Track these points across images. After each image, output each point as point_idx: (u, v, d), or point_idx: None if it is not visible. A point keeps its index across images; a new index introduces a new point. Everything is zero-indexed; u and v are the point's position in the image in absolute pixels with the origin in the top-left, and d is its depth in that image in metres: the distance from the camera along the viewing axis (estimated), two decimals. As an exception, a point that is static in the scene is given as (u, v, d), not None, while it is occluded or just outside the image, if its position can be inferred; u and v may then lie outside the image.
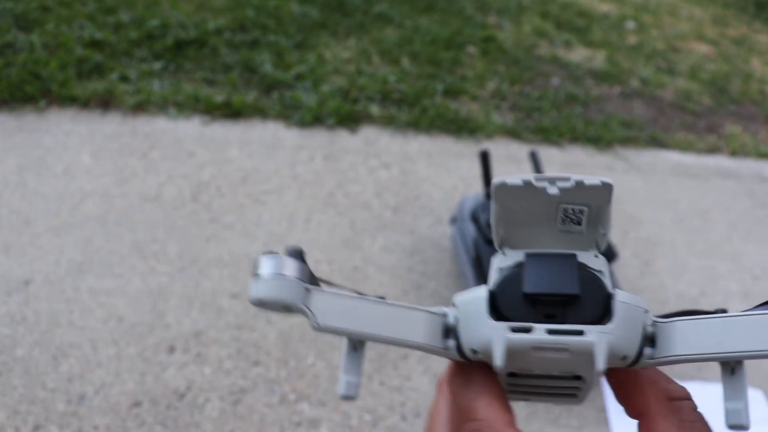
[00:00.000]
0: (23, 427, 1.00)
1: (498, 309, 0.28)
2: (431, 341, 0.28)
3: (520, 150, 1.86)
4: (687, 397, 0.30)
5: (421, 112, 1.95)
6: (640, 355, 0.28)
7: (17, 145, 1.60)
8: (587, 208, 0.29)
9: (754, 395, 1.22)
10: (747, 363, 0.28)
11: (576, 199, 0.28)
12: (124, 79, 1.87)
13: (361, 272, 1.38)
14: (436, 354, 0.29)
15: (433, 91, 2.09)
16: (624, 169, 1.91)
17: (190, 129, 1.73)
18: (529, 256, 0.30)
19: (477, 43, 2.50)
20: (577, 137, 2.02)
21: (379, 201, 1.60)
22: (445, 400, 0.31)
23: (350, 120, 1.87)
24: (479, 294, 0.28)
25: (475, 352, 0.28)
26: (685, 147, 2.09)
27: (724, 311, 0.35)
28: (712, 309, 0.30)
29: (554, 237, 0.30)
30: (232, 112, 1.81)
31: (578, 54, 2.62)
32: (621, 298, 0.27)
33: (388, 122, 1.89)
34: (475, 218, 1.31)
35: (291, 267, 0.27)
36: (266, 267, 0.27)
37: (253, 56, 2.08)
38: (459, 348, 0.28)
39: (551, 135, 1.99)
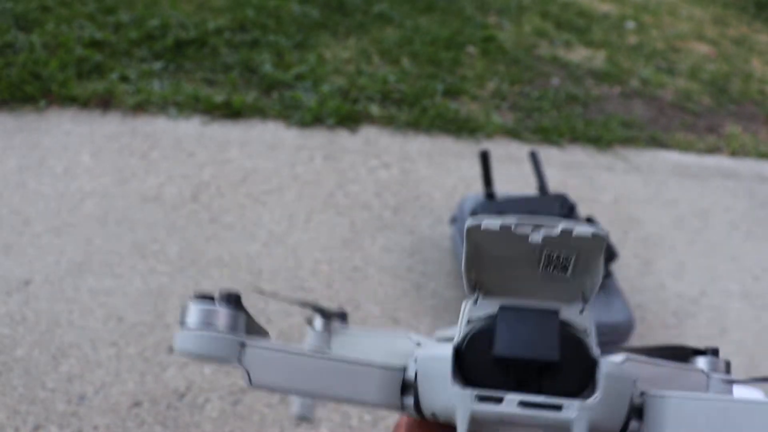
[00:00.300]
0: (23, 427, 1.00)
1: (464, 369, 0.25)
2: (385, 399, 0.25)
3: (520, 150, 1.86)
4: None
5: (421, 112, 1.95)
6: (624, 429, 0.25)
7: (17, 145, 1.60)
8: (575, 255, 0.25)
9: (753, 394, 1.22)
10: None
11: (562, 246, 0.25)
12: (124, 79, 1.87)
13: (361, 272, 1.38)
14: (391, 410, 0.26)
15: (433, 91, 2.09)
16: (624, 169, 1.91)
17: (190, 129, 1.73)
18: (503, 310, 0.26)
19: (477, 43, 2.50)
20: (577, 137, 2.02)
21: (379, 201, 1.60)
22: None
23: (350, 120, 1.87)
24: (443, 354, 0.25)
25: (435, 415, 0.25)
26: (685, 147, 2.09)
27: (715, 352, 0.33)
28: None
29: (535, 283, 0.27)
30: (232, 112, 1.81)
31: (578, 54, 2.62)
32: (607, 369, 0.24)
33: (388, 122, 1.89)
34: None
35: (223, 318, 0.24)
36: (194, 316, 0.24)
37: (253, 56, 2.08)
38: (418, 406, 0.26)
39: (551, 135, 1.99)
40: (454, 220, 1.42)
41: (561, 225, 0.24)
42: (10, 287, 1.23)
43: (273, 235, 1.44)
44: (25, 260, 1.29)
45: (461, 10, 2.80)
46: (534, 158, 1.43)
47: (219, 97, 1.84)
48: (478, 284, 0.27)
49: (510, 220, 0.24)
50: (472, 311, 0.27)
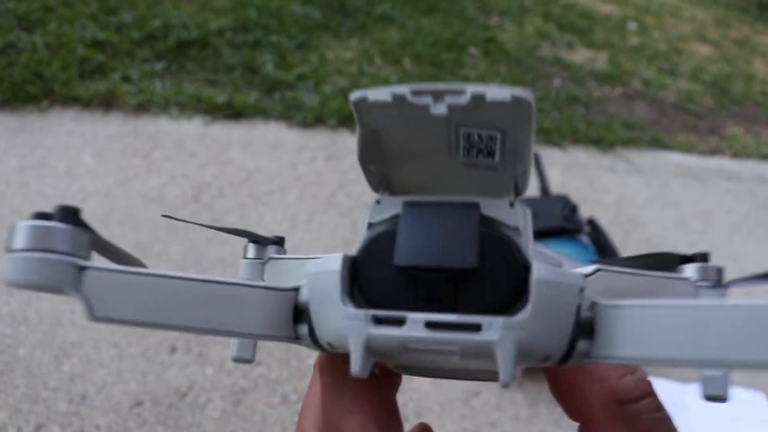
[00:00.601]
0: (25, 427, 1.01)
1: (362, 285, 0.21)
2: (273, 329, 0.21)
3: None
4: (644, 396, 0.22)
5: None
6: (570, 351, 0.20)
7: (19, 144, 1.60)
8: (500, 134, 0.21)
9: (754, 396, 1.22)
10: None
11: (480, 121, 0.21)
12: (126, 79, 1.87)
13: None
14: (284, 342, 0.21)
15: None
16: (626, 170, 1.91)
17: (192, 129, 1.74)
18: (408, 206, 0.22)
19: (479, 44, 2.50)
20: (579, 138, 2.01)
21: None
22: (316, 392, 0.24)
23: (352, 120, 1.86)
24: (331, 265, 0.21)
25: (332, 345, 0.21)
26: (687, 148, 2.09)
27: (704, 257, 0.27)
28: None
29: (455, 174, 0.22)
30: (233, 112, 1.81)
31: (580, 55, 2.62)
32: (542, 273, 0.19)
33: None
34: None
35: (58, 237, 0.19)
36: (22, 238, 0.19)
37: (255, 57, 2.08)
38: (313, 336, 0.21)
39: (553, 136, 1.98)
40: None
41: (470, 89, 0.19)
42: (12, 287, 1.23)
43: (275, 235, 1.44)
44: (27, 260, 1.30)
45: (463, 11, 2.80)
46: (536, 160, 1.44)
47: (221, 98, 1.84)
48: (382, 180, 0.23)
49: (403, 88, 0.20)
50: (374, 213, 0.22)
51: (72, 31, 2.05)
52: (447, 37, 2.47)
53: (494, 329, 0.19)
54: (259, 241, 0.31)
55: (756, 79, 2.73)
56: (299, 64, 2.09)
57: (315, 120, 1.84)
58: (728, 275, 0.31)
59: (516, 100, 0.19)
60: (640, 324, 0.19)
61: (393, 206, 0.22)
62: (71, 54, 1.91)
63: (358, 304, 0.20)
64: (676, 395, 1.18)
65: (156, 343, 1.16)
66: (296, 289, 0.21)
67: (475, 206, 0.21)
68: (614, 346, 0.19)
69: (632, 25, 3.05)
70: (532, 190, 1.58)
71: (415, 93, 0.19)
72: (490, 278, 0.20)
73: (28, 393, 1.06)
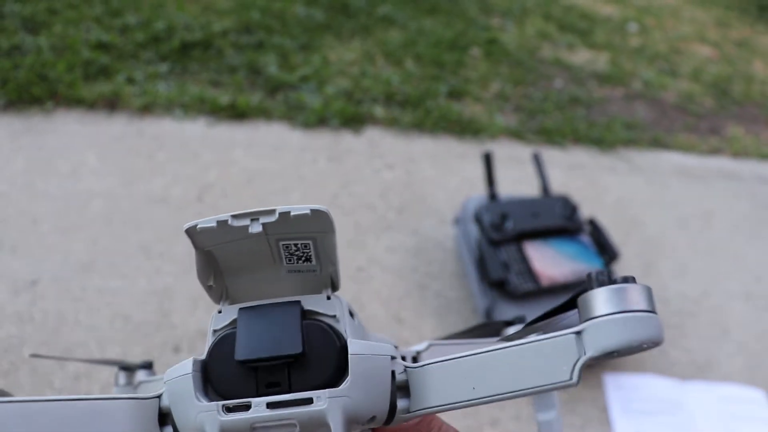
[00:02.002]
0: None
1: (213, 383, 0.24)
2: None
3: (523, 151, 1.86)
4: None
5: (424, 114, 1.96)
6: (393, 410, 0.24)
7: (24, 146, 1.60)
8: (312, 242, 0.25)
9: (754, 395, 1.22)
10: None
11: (293, 233, 0.25)
12: (130, 80, 1.87)
13: (366, 272, 1.39)
14: None
15: (437, 92, 2.09)
16: (627, 170, 1.91)
17: (196, 130, 1.74)
18: (243, 311, 0.25)
19: (480, 45, 2.50)
20: (580, 139, 2.02)
21: (384, 202, 1.60)
22: None
23: (354, 121, 1.87)
24: (183, 369, 0.24)
25: None
26: (688, 148, 2.08)
27: (521, 319, 0.32)
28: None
29: (282, 281, 0.26)
30: (237, 113, 1.81)
31: (581, 56, 2.61)
32: (356, 349, 0.23)
33: (392, 123, 1.90)
34: (478, 219, 1.32)
35: None
36: None
37: (258, 58, 2.08)
38: None
39: (554, 136, 1.99)
40: (458, 221, 1.43)
41: (278, 209, 0.24)
42: (18, 287, 1.24)
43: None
44: (33, 260, 1.30)
45: (465, 11, 2.80)
46: (537, 160, 1.44)
47: (224, 99, 1.84)
48: (222, 293, 0.26)
49: (224, 215, 0.24)
50: (217, 321, 0.26)
51: (77, 33, 2.05)
52: (449, 38, 2.47)
53: (323, 400, 0.22)
54: (128, 367, 0.34)
55: (756, 80, 2.72)
56: (302, 66, 2.09)
57: (317, 121, 1.84)
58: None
59: (315, 213, 0.24)
60: (441, 377, 0.23)
61: (232, 313, 0.26)
62: (76, 56, 1.91)
63: (211, 399, 0.23)
64: (675, 393, 1.17)
65: (160, 343, 1.16)
66: (159, 396, 0.24)
67: (298, 303, 0.25)
68: (425, 400, 0.24)
69: (633, 26, 3.05)
70: (533, 189, 1.58)
71: (235, 217, 0.24)
72: (316, 360, 0.24)
73: (34, 393, 1.06)
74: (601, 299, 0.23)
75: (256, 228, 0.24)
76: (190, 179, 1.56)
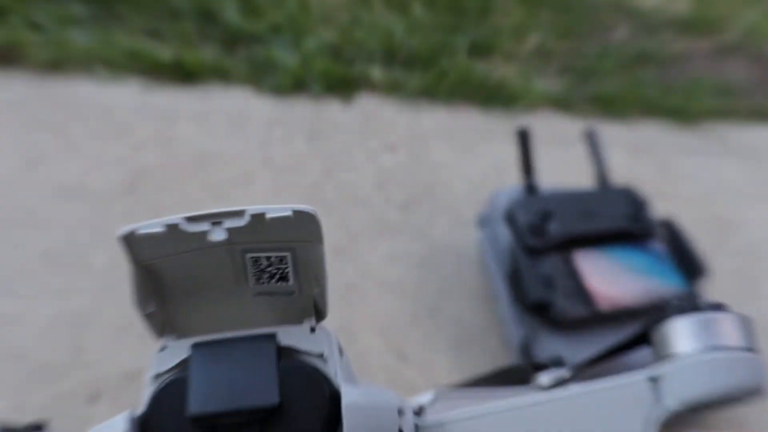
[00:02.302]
0: None
1: None
2: None
3: (571, 127, 1.86)
4: None
5: (438, 77, 1.96)
6: None
7: None
8: (290, 254, 0.26)
9: None
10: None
11: (266, 243, 0.25)
12: (32, 26, 1.85)
13: (357, 291, 1.39)
14: None
15: (455, 47, 2.09)
16: (717, 152, 1.91)
17: (126, 96, 1.73)
18: (197, 348, 0.26)
19: (514, -17, 2.50)
20: (650, 109, 2.02)
21: (382, 195, 1.60)
22: None
23: (343, 86, 1.88)
24: (112, 430, 0.24)
25: None
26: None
27: (558, 362, 0.33)
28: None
29: (248, 306, 0.27)
30: (182, 74, 1.81)
31: (651, -2, 2.61)
32: (352, 398, 0.23)
33: (394, 89, 1.90)
34: (511, 219, 1.32)
35: None
36: None
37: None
38: None
39: (615, 106, 1.99)
40: (483, 222, 1.43)
41: (249, 209, 0.24)
42: None
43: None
44: None
45: (493, -62, 2.79)
46: (591, 139, 1.43)
47: (165, 54, 1.83)
48: (166, 324, 0.26)
49: (175, 218, 0.24)
50: (159, 363, 0.26)
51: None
52: (472, -26, 2.47)
53: None
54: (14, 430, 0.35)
55: None
56: (272, 10, 2.09)
57: (293, 85, 1.84)
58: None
59: (299, 216, 0.25)
60: None
61: (181, 351, 0.26)
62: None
63: None
64: None
65: (70, 390, 1.15)
66: None
67: (272, 338, 0.25)
68: None
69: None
70: (585, 179, 1.56)
71: (191, 220, 0.24)
72: (297, 414, 0.24)
73: None
74: (683, 333, 0.24)
75: (218, 235, 0.24)
76: (117, 162, 1.55)
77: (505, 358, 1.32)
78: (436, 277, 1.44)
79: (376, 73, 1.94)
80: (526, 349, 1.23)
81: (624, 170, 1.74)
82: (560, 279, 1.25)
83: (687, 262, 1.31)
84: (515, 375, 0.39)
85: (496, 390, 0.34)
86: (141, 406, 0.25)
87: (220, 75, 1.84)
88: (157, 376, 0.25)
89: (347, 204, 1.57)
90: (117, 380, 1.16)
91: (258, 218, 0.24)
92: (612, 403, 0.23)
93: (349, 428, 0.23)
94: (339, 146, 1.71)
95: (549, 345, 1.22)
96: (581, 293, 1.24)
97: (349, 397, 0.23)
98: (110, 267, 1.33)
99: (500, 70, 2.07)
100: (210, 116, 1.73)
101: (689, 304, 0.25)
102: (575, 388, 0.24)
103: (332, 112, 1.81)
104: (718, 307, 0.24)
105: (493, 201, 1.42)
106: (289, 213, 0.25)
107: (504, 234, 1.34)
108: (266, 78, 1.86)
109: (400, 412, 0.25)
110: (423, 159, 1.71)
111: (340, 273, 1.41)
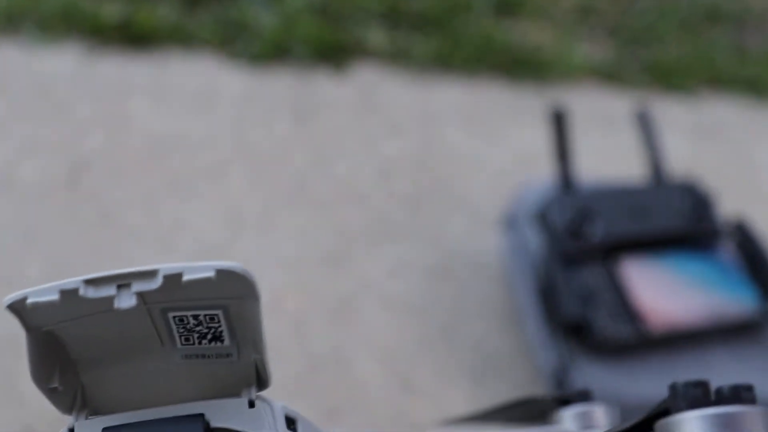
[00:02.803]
0: None
1: None
2: None
3: (619, 104, 1.86)
4: None
5: (453, 41, 1.96)
6: None
7: None
8: (221, 312, 0.26)
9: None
10: None
11: (186, 300, 0.26)
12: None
13: (353, 307, 1.41)
14: None
15: (474, 4, 2.09)
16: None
17: (63, 65, 1.74)
18: None
19: None
20: (721, 80, 2.03)
21: (384, 190, 1.63)
22: None
23: (335, 53, 1.88)
24: None
25: None
26: None
27: (585, 395, 0.35)
28: None
29: (176, 372, 0.27)
30: (134, 37, 1.81)
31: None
32: None
33: (398, 58, 1.90)
34: (543, 220, 1.34)
35: None
36: None
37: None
38: None
39: (676, 78, 2.00)
40: (509, 224, 1.45)
41: (162, 269, 0.25)
42: None
43: (205, 243, 1.47)
44: None
45: None
46: (643, 120, 1.46)
47: (112, 12, 1.84)
48: (76, 399, 0.28)
49: (72, 281, 0.24)
50: None
51: None
52: None
53: None
54: None
55: None
56: (244, -44, 2.08)
57: (273, 52, 1.84)
58: None
59: (224, 276, 0.25)
60: None
61: None
62: None
63: None
64: None
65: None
66: None
67: (199, 419, 0.26)
68: None
69: None
70: (637, 170, 1.57)
71: (91, 283, 0.24)
72: None
73: None
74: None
75: (126, 301, 0.25)
76: (53, 149, 1.58)
77: (534, 390, 1.30)
78: (449, 291, 1.46)
79: (376, 36, 1.93)
80: (559, 379, 1.23)
81: (686, 158, 1.72)
82: (603, 293, 1.27)
83: (762, 273, 1.33)
84: (531, 408, 0.40)
85: (508, 429, 0.35)
86: None
87: (180, 39, 1.83)
88: None
89: (341, 201, 1.58)
90: (53, 418, 1.19)
91: (173, 279, 0.24)
92: None
93: None
94: (330, 129, 1.71)
95: (588, 374, 1.24)
96: (628, 310, 1.26)
97: None
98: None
99: (532, 34, 2.06)
100: (169, 91, 1.73)
101: (703, 394, 0.25)
102: None
103: (322, 85, 1.81)
104: (739, 394, 0.24)
105: (520, 198, 1.43)
106: (210, 274, 0.24)
107: (534, 238, 1.35)
108: (239, 43, 1.85)
109: None
110: (434, 145, 1.73)
111: (331, 285, 1.43)
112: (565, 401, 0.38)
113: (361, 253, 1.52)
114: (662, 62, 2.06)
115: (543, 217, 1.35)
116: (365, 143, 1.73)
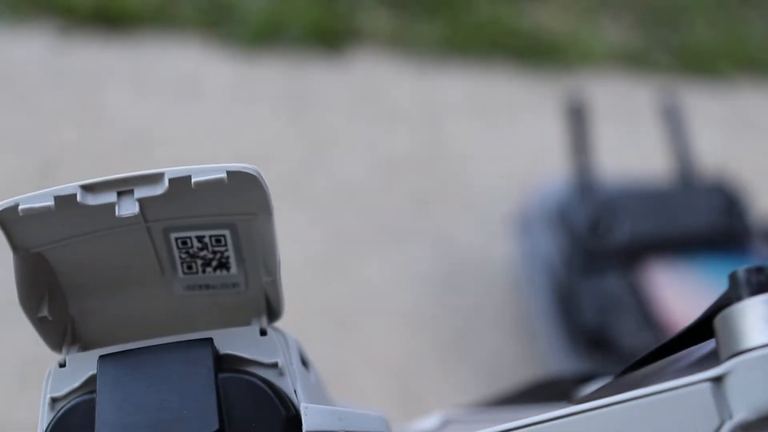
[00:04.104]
0: None
1: None
2: None
3: (644, 92, 1.86)
4: None
5: (460, 26, 1.98)
6: None
7: None
8: (228, 232, 0.27)
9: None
10: None
11: (191, 216, 0.26)
12: None
13: (353, 318, 1.44)
14: None
15: None
16: None
17: (33, 51, 1.76)
18: (106, 362, 0.26)
19: None
20: (755, 65, 2.05)
21: (386, 189, 1.64)
22: None
23: (331, 37, 1.89)
24: None
25: None
26: None
27: (705, 330, 0.33)
28: None
29: (175, 305, 0.28)
30: (109, 20, 1.82)
31: None
32: (315, 422, 0.25)
33: (401, 42, 1.92)
34: (564, 222, 1.36)
35: None
36: None
37: None
38: None
39: (708, 63, 2.01)
40: (522, 225, 1.47)
41: (168, 172, 0.25)
42: None
43: None
44: None
45: None
46: (671, 114, 1.47)
47: None
48: (66, 332, 0.28)
49: (69, 186, 0.25)
50: (57, 383, 0.27)
51: None
52: None
53: None
54: None
55: None
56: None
57: (263, 36, 1.86)
58: None
59: (235, 178, 0.25)
60: None
61: (86, 366, 0.27)
62: None
63: None
64: None
65: None
66: None
67: (207, 343, 0.27)
68: None
69: None
70: (663, 166, 1.59)
71: (89, 189, 0.25)
72: None
73: None
74: (757, 318, 0.24)
75: (127, 208, 0.25)
76: (21, 143, 1.60)
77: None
78: (458, 299, 1.48)
79: (377, 19, 1.95)
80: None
81: (719, 153, 1.73)
82: (626, 300, 1.29)
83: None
84: (551, 391, 0.41)
85: (523, 409, 0.36)
86: None
87: (161, 22, 1.84)
88: (54, 401, 0.27)
89: (338, 202, 1.60)
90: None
91: (180, 184, 0.25)
92: (664, 414, 0.24)
93: None
94: (326, 121, 1.73)
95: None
96: (653, 319, 1.28)
97: (311, 419, 0.24)
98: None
99: (548, 16, 2.07)
100: (148, 79, 1.75)
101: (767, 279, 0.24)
102: (621, 397, 0.25)
103: (316, 73, 1.82)
104: None
105: (534, 197, 1.45)
106: (222, 175, 0.25)
107: (549, 241, 1.38)
108: (226, 26, 1.86)
109: None
110: (440, 139, 1.74)
111: (325, 295, 1.45)
112: (586, 379, 0.40)
113: (360, 259, 1.53)
114: (692, 45, 2.07)
115: (562, 218, 1.37)
116: (364, 137, 1.74)
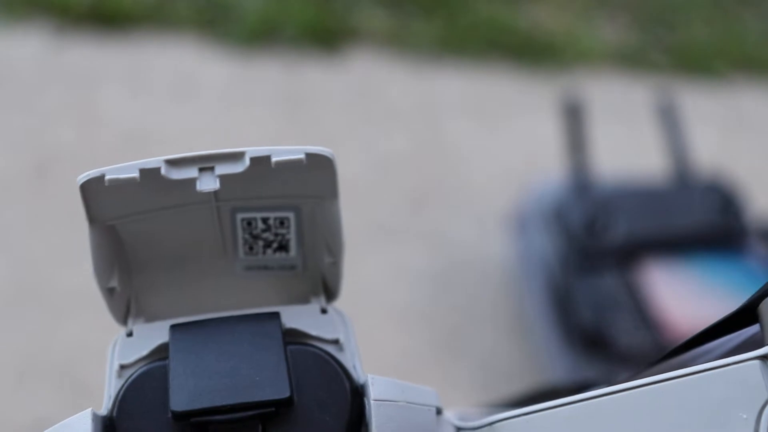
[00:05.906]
0: None
1: None
2: None
3: (640, 92, 1.86)
4: None
5: (455, 23, 1.98)
6: None
7: None
8: (293, 215, 0.28)
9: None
10: None
11: (262, 197, 0.27)
12: None
13: (348, 315, 1.41)
14: None
15: None
16: None
17: (28, 50, 1.76)
18: (178, 330, 0.27)
19: None
20: (752, 64, 2.05)
21: (382, 189, 1.65)
22: None
23: (328, 37, 1.89)
24: (74, 427, 0.25)
25: None
26: None
27: (749, 315, 0.34)
28: None
29: (234, 285, 0.29)
30: (106, 18, 1.82)
31: None
32: (381, 392, 0.26)
33: (396, 41, 1.92)
34: (560, 221, 1.37)
35: None
36: None
37: None
38: None
39: (703, 61, 2.01)
40: (518, 225, 1.47)
41: (249, 151, 0.26)
42: None
43: None
44: None
45: None
46: (667, 114, 1.47)
47: None
48: (131, 304, 0.29)
49: (154, 160, 0.26)
50: (125, 352, 0.28)
51: None
52: None
53: None
54: None
55: None
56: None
57: (259, 35, 1.86)
58: None
59: (312, 161, 0.26)
60: None
61: (154, 336, 0.28)
62: None
63: None
64: None
65: None
66: None
67: (275, 316, 0.28)
68: None
69: None
70: (659, 165, 1.59)
71: (173, 164, 0.26)
72: (311, 410, 0.26)
73: None
74: None
75: (207, 184, 0.26)
76: (16, 142, 1.60)
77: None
78: (454, 299, 1.48)
79: (373, 18, 1.95)
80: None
81: (715, 153, 1.73)
82: (622, 299, 1.29)
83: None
84: (553, 398, 0.42)
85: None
86: (105, 404, 0.26)
87: (156, 21, 1.84)
88: (123, 367, 0.27)
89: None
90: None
91: (260, 163, 0.26)
92: (712, 392, 0.24)
93: (379, 427, 0.25)
94: (322, 120, 1.73)
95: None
96: (649, 319, 1.28)
97: (378, 389, 0.26)
98: (13, 283, 1.38)
99: (543, 15, 2.07)
100: (144, 78, 1.75)
101: None
102: (670, 374, 0.26)
103: (312, 72, 1.82)
104: None
105: (531, 196, 1.45)
106: (301, 156, 0.26)
107: (546, 240, 1.38)
108: (221, 25, 1.86)
109: (439, 411, 0.28)
110: (437, 137, 1.75)
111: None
112: (586, 386, 0.40)
113: (356, 258, 1.49)
114: (688, 44, 2.07)
115: (559, 216, 1.37)
116: (362, 137, 1.75)
